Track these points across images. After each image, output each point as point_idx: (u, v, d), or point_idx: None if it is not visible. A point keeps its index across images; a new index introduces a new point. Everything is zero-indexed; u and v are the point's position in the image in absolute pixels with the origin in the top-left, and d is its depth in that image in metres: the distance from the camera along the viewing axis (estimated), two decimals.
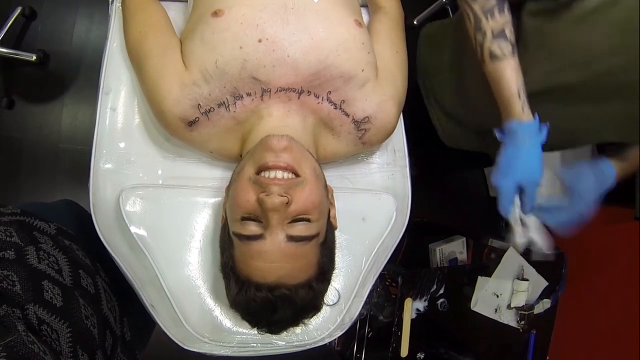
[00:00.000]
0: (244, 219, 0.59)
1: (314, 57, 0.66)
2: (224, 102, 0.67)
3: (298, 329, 0.71)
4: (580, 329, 1.46)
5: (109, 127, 0.76)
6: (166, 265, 0.70)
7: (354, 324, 0.93)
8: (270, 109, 0.68)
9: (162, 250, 0.70)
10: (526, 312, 1.28)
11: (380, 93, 0.72)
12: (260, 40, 0.65)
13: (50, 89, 1.63)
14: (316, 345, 0.76)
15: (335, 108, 0.70)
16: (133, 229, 0.69)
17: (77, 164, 1.61)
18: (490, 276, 1.27)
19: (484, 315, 1.26)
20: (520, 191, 0.72)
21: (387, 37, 0.80)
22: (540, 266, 1.29)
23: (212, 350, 0.72)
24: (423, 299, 1.20)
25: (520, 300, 1.27)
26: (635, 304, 1.27)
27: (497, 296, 1.28)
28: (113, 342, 0.60)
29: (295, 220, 0.59)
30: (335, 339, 0.86)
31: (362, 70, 0.70)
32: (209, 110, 0.67)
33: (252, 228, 0.59)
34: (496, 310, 1.28)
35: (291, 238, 0.58)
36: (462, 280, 1.26)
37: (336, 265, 0.68)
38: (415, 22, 1.82)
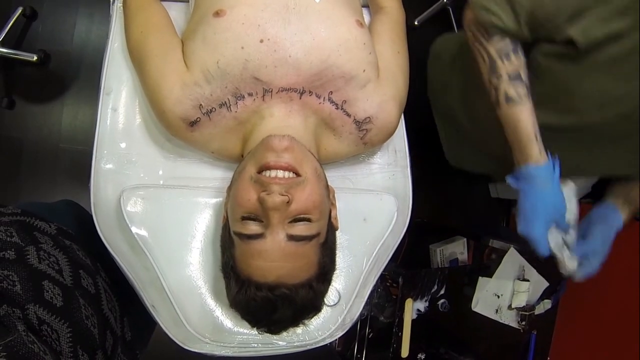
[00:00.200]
0: (244, 218, 0.59)
1: (316, 57, 0.66)
2: (225, 102, 0.67)
3: (299, 329, 0.71)
4: (580, 329, 1.46)
5: (110, 128, 0.76)
6: (167, 266, 0.70)
7: (355, 324, 0.93)
8: (271, 109, 0.68)
9: (163, 250, 0.70)
10: (527, 313, 1.28)
11: (382, 93, 0.72)
12: (261, 41, 0.65)
13: (50, 89, 1.63)
14: (317, 346, 0.75)
15: (337, 108, 0.70)
16: (134, 229, 0.69)
17: (78, 164, 1.61)
18: (491, 277, 1.27)
19: (484, 316, 1.26)
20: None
21: (389, 38, 0.80)
22: (541, 267, 1.28)
23: (212, 351, 0.72)
24: (424, 300, 1.20)
25: (521, 301, 1.27)
26: (635, 304, 1.27)
27: (498, 297, 1.28)
28: (113, 342, 0.59)
29: (296, 220, 0.59)
30: (336, 340, 0.86)
31: (364, 70, 0.70)
32: (211, 111, 0.67)
33: (253, 227, 0.59)
34: (497, 310, 1.28)
35: (292, 237, 0.58)
36: (462, 280, 1.26)
37: (337, 266, 0.68)
38: (416, 23, 1.82)
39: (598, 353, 1.42)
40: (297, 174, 0.60)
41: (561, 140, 0.73)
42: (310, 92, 0.68)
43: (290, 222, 0.59)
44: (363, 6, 0.89)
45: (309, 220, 0.59)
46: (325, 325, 0.75)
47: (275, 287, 0.57)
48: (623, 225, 0.81)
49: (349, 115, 0.71)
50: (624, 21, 0.57)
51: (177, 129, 0.69)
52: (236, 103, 0.67)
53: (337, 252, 0.68)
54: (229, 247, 0.62)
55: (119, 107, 0.77)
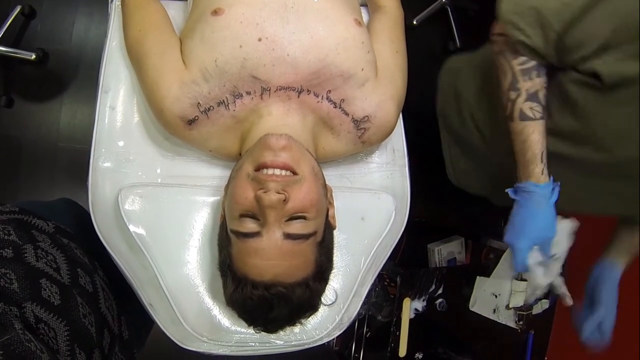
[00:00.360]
0: (241, 216, 0.59)
1: (314, 56, 0.66)
2: (223, 100, 0.67)
3: (296, 328, 0.71)
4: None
5: (108, 126, 0.76)
6: (165, 264, 0.70)
7: (353, 323, 0.93)
8: (269, 107, 0.68)
9: (160, 249, 0.70)
10: (524, 313, 1.28)
11: (380, 92, 0.72)
12: (260, 39, 0.65)
13: (49, 87, 1.63)
14: (315, 345, 0.76)
15: (335, 107, 0.70)
16: (132, 228, 0.69)
17: (76, 162, 1.61)
18: (488, 276, 1.27)
19: (482, 316, 1.26)
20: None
21: (387, 37, 0.80)
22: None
23: (210, 350, 0.72)
24: (422, 299, 1.20)
25: (518, 301, 1.27)
26: (634, 304, 1.27)
27: (496, 296, 1.28)
28: (111, 341, 0.59)
29: (293, 218, 0.59)
30: (334, 339, 0.86)
31: (362, 69, 0.70)
32: (209, 109, 0.67)
33: (250, 225, 0.59)
34: (494, 310, 1.28)
35: (288, 236, 0.58)
36: (460, 280, 1.26)
37: (335, 265, 0.68)
38: (414, 22, 1.82)
39: (596, 353, 1.42)
40: (294, 173, 0.61)
41: (575, 171, 0.73)
42: (308, 90, 0.68)
43: (287, 220, 0.59)
44: (361, 5, 0.89)
45: (305, 218, 0.59)
46: (322, 325, 0.75)
47: (271, 285, 0.57)
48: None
49: (347, 114, 0.71)
50: None
51: (175, 128, 0.69)
52: (234, 102, 0.67)
53: (335, 251, 0.68)
54: (226, 245, 0.62)
55: (117, 105, 0.77)
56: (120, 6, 0.80)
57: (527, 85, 0.69)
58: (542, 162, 0.70)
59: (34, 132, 1.61)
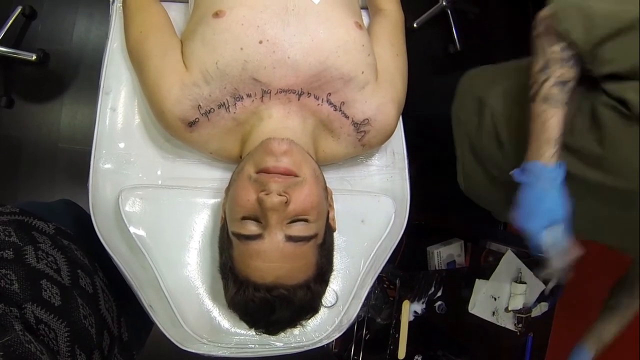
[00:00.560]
0: (243, 218, 0.59)
1: (314, 59, 0.66)
2: (224, 103, 0.67)
3: (296, 330, 0.71)
4: (577, 332, 1.46)
5: (109, 127, 0.76)
6: (165, 266, 0.70)
7: (352, 325, 0.93)
8: (270, 110, 0.68)
9: (161, 250, 0.70)
10: (524, 315, 1.29)
11: (380, 95, 0.73)
12: (260, 42, 0.65)
13: (49, 88, 1.63)
14: (314, 347, 0.76)
15: (335, 110, 0.70)
16: (132, 229, 0.69)
17: (76, 163, 1.61)
18: (488, 279, 1.27)
19: (481, 318, 1.27)
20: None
21: (387, 40, 0.80)
22: (538, 269, 1.29)
23: (210, 351, 0.72)
24: (421, 302, 1.20)
25: (517, 303, 1.27)
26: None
27: (495, 299, 1.28)
28: (110, 342, 0.59)
29: (294, 220, 0.59)
30: (333, 341, 0.86)
31: (362, 72, 0.70)
32: (209, 111, 0.68)
33: (251, 228, 0.59)
34: (494, 313, 1.28)
35: (290, 238, 0.58)
36: (460, 283, 1.26)
37: (335, 267, 0.68)
38: (415, 25, 1.83)
39: (595, 355, 1.42)
40: (296, 176, 0.61)
41: (590, 196, 0.73)
42: (308, 93, 0.68)
43: (289, 222, 0.59)
44: (362, 8, 0.90)
45: (307, 220, 0.60)
46: (322, 327, 0.75)
47: (273, 287, 0.57)
48: None
49: (347, 116, 0.71)
50: None
51: (176, 130, 0.69)
52: (235, 104, 0.68)
53: (335, 253, 0.69)
54: (227, 247, 0.62)
55: (118, 107, 0.77)
56: (121, 8, 0.80)
57: (558, 72, 0.69)
58: (554, 146, 0.70)
59: (34, 133, 1.61)
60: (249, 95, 0.67)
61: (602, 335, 0.96)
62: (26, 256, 0.55)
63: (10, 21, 1.54)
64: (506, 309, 1.28)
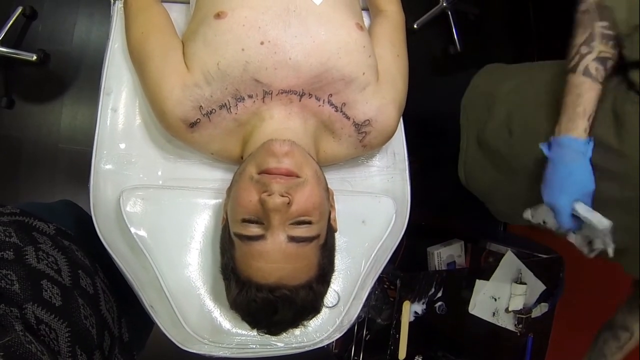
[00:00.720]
0: (245, 220, 0.59)
1: (315, 60, 0.67)
2: (225, 103, 0.67)
3: (297, 331, 0.71)
4: (577, 333, 1.46)
5: (110, 128, 0.76)
6: (166, 266, 0.70)
7: (352, 326, 0.93)
8: (271, 111, 0.68)
9: (162, 251, 0.70)
10: (524, 316, 1.28)
11: (381, 96, 0.73)
12: (262, 43, 0.65)
13: (50, 89, 1.63)
14: (315, 347, 0.76)
15: (336, 111, 0.71)
16: (133, 230, 0.69)
17: (76, 164, 1.61)
18: (488, 280, 1.27)
19: (481, 319, 1.27)
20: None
21: (388, 41, 0.81)
22: (539, 270, 1.29)
23: (211, 352, 0.72)
24: (421, 302, 1.20)
25: (518, 304, 1.27)
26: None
27: (495, 300, 1.28)
28: (111, 343, 0.59)
29: (297, 223, 0.59)
30: (333, 342, 0.86)
31: (363, 73, 0.70)
32: (211, 112, 0.68)
33: (254, 229, 0.59)
34: (494, 313, 1.28)
35: (292, 239, 0.58)
36: (460, 283, 1.26)
37: (336, 268, 0.68)
38: (415, 26, 1.83)
39: None
40: (297, 177, 0.61)
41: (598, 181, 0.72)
42: (309, 94, 0.69)
43: (291, 224, 0.59)
44: (363, 9, 0.90)
45: (309, 223, 0.60)
46: (323, 327, 0.75)
47: (275, 288, 0.57)
48: None
49: (348, 117, 0.71)
50: None
51: (177, 130, 0.70)
52: (236, 105, 0.68)
53: (336, 254, 0.69)
54: (229, 248, 0.62)
55: (119, 107, 0.77)
56: (122, 8, 0.81)
57: (601, 47, 0.69)
58: (587, 119, 0.69)
59: (34, 133, 1.61)
60: (250, 96, 0.67)
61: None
62: (27, 256, 0.54)
63: (11, 21, 1.54)
64: (506, 310, 1.28)
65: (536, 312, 1.31)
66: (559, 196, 0.71)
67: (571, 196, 0.70)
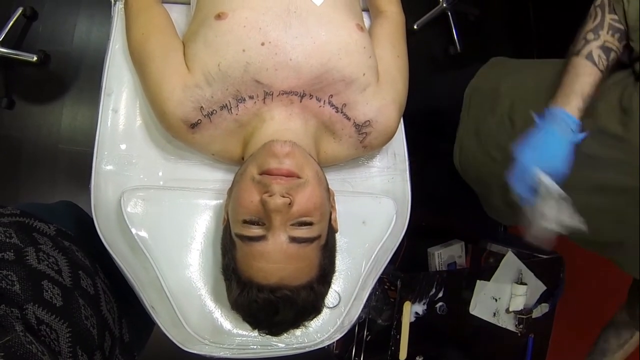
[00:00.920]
0: (246, 222, 0.59)
1: (316, 61, 0.67)
2: (226, 104, 0.67)
3: (298, 331, 0.71)
4: (578, 333, 1.46)
5: (111, 129, 0.76)
6: (167, 267, 0.70)
7: (353, 327, 0.93)
8: (272, 112, 0.69)
9: (163, 251, 0.70)
10: (524, 316, 1.29)
11: (381, 97, 0.73)
12: (263, 44, 0.65)
13: (50, 89, 1.63)
14: (315, 348, 0.76)
15: (337, 111, 0.71)
16: (134, 231, 0.69)
17: (76, 165, 1.61)
18: (488, 280, 1.27)
19: (482, 319, 1.27)
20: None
21: (388, 42, 0.81)
22: (539, 270, 1.29)
23: (211, 352, 0.72)
24: (422, 303, 1.20)
25: (518, 304, 1.27)
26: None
27: (496, 300, 1.28)
28: (112, 344, 0.59)
29: (298, 223, 0.59)
30: (334, 343, 0.86)
31: (364, 74, 0.70)
32: (211, 113, 0.68)
33: (255, 230, 0.59)
34: (494, 314, 1.28)
35: (293, 239, 0.58)
36: (460, 284, 1.26)
37: (336, 268, 0.68)
38: (415, 27, 1.83)
39: None
40: (299, 178, 0.61)
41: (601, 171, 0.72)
42: (310, 95, 0.69)
43: (292, 225, 0.59)
44: (363, 10, 0.90)
45: (310, 223, 0.60)
46: (324, 328, 0.75)
47: (277, 288, 0.57)
48: None
49: (348, 118, 0.72)
50: None
51: (178, 131, 0.70)
52: (237, 105, 0.68)
53: (337, 254, 0.69)
54: (230, 249, 0.62)
55: (119, 108, 0.77)
56: (123, 9, 0.81)
57: (608, 37, 0.70)
58: (583, 101, 0.69)
59: (34, 134, 1.61)
60: (251, 97, 0.67)
61: None
62: (27, 257, 0.54)
63: (11, 22, 1.54)
64: (507, 310, 1.28)
65: (537, 313, 1.31)
66: (525, 155, 0.71)
67: (538, 158, 0.69)
